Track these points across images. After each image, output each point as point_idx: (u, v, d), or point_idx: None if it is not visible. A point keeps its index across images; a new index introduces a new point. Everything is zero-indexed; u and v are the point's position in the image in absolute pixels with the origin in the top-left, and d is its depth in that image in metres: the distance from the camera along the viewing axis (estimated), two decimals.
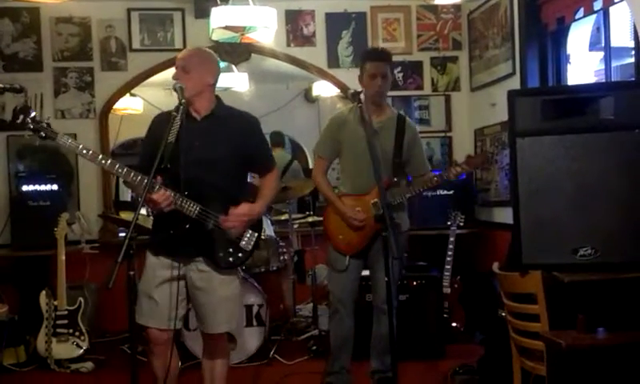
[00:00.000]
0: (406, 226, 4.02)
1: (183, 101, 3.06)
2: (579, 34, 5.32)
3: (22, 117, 2.90)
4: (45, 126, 2.95)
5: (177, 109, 3.06)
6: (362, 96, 3.74)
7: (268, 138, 7.51)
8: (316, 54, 6.17)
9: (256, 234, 3.26)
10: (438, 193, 5.66)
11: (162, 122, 3.19)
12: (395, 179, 3.88)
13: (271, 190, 3.38)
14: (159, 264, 3.17)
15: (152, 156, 2.99)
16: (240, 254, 3.21)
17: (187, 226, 3.09)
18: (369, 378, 4.09)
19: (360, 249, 3.91)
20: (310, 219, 5.88)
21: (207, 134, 3.15)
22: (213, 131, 3.17)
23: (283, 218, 5.85)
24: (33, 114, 2.93)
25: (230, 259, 3.19)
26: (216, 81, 3.26)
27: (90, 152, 3.05)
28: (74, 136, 5.40)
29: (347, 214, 3.87)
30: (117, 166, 3.02)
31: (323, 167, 4.08)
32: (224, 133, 3.18)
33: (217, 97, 3.28)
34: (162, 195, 2.98)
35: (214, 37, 5.15)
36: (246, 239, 3.22)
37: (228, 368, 3.42)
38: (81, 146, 3.05)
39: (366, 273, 4.10)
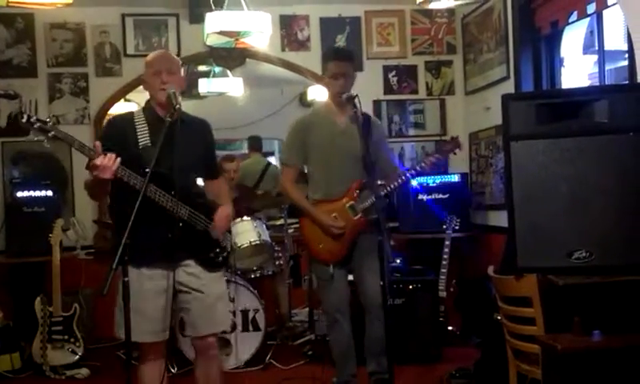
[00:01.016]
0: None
1: (178, 106, 3.05)
2: (573, 37, 5.32)
3: (26, 116, 2.80)
4: (50, 124, 2.83)
5: (162, 112, 3.11)
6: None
7: (247, 142, 7.58)
8: (310, 59, 6.17)
9: (229, 234, 3.47)
10: (433, 197, 5.67)
11: (124, 125, 3.17)
12: (368, 179, 3.77)
13: (228, 193, 3.58)
14: (144, 277, 3.11)
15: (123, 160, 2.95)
16: (225, 253, 3.35)
17: (181, 225, 3.09)
18: (367, 379, 4.04)
19: (343, 255, 3.84)
20: None
21: (180, 138, 3.13)
22: (183, 135, 3.14)
23: (278, 222, 5.84)
24: (34, 117, 2.84)
25: (220, 259, 3.30)
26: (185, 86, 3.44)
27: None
28: None
29: (326, 222, 3.78)
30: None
31: (292, 176, 3.95)
32: (191, 137, 3.21)
33: None
34: (106, 159, 2.87)
35: (209, 42, 5.15)
36: (225, 239, 3.37)
37: (222, 372, 3.41)
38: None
39: (350, 277, 4.00)
